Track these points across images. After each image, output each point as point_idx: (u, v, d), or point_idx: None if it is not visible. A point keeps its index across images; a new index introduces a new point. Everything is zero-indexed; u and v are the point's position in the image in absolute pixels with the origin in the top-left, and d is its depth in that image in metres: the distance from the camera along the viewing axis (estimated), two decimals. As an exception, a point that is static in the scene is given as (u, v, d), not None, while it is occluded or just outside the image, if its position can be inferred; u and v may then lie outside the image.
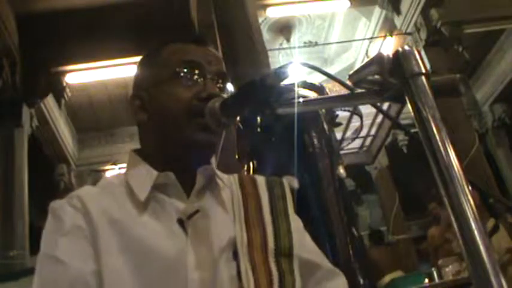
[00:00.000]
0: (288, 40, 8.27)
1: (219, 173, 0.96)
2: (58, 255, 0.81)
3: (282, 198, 0.98)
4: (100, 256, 0.81)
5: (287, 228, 0.93)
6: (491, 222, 3.96)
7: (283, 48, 8.20)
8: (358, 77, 0.69)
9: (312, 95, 1.90)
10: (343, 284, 0.97)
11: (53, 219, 0.86)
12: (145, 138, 0.97)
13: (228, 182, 0.97)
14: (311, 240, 1.00)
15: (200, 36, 1.07)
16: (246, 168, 2.03)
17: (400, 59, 0.64)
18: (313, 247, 0.99)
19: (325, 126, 2.01)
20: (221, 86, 0.94)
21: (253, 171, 1.99)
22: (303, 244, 0.96)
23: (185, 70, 0.91)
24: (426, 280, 4.07)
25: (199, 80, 0.91)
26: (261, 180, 1.00)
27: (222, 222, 0.90)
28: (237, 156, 2.11)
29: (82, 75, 6.51)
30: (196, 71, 0.92)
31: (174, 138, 0.90)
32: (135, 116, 0.96)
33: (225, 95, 0.90)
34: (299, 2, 6.86)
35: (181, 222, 0.86)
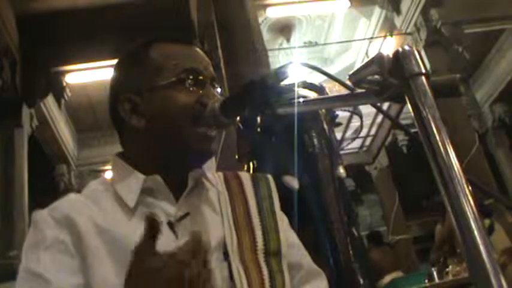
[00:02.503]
0: (288, 40, 8.27)
1: (205, 173, 0.95)
2: (39, 271, 0.79)
3: (268, 196, 0.97)
4: (88, 266, 0.80)
5: (275, 228, 0.93)
6: (485, 224, 3.96)
7: (283, 48, 8.19)
8: (358, 77, 0.69)
9: (312, 95, 1.90)
10: (325, 285, 0.97)
11: (35, 232, 0.85)
12: (133, 142, 0.94)
13: (214, 181, 0.96)
14: (295, 237, 1.00)
15: (187, 35, 1.07)
16: (246, 168, 2.03)
17: (400, 59, 0.64)
18: (297, 246, 0.99)
19: (325, 126, 2.01)
20: (216, 89, 0.94)
21: (253, 171, 1.99)
22: (288, 243, 0.96)
23: (187, 76, 0.90)
24: (426, 280, 4.07)
25: (200, 86, 0.91)
26: (246, 177, 1.00)
27: (211, 223, 0.89)
28: (237, 156, 2.11)
29: (82, 75, 6.51)
30: (198, 78, 0.91)
31: (176, 145, 0.89)
32: (126, 120, 0.92)
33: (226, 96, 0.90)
34: (299, 2, 6.86)
35: (170, 225, 0.85)
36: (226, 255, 0.86)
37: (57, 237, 0.82)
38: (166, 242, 0.83)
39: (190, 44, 0.97)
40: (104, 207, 0.88)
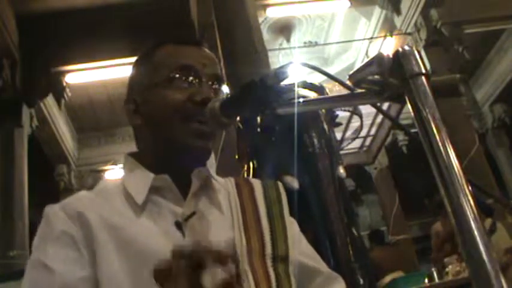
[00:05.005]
0: (288, 40, 8.27)
1: (214, 175, 0.96)
2: (47, 262, 0.81)
3: (278, 202, 0.98)
4: (97, 261, 0.81)
5: (283, 234, 0.93)
6: (488, 223, 3.96)
7: (283, 48, 8.19)
8: (358, 77, 0.69)
9: (312, 95, 1.90)
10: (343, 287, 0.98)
11: (45, 225, 0.86)
12: (140, 141, 0.97)
13: (225, 185, 0.97)
14: (308, 244, 1.01)
15: (194, 37, 1.07)
16: (246, 168, 2.03)
17: (400, 59, 0.64)
18: (311, 251, 1.00)
19: (325, 126, 2.02)
20: (216, 88, 0.93)
21: (253, 171, 1.99)
22: (301, 249, 0.97)
23: (179, 74, 0.91)
24: (426, 280, 4.07)
25: (194, 83, 0.91)
26: (256, 184, 1.01)
27: (219, 224, 0.90)
28: (237, 156, 2.11)
29: (82, 75, 6.51)
30: (191, 75, 0.91)
31: (168, 142, 0.90)
32: (129, 120, 0.96)
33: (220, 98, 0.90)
34: (299, 2, 6.86)
35: (178, 225, 0.86)
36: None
37: (65, 231, 0.84)
38: (173, 242, 0.83)
39: (193, 44, 0.97)
40: (114, 204, 0.89)
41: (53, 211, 0.87)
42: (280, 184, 1.03)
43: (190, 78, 0.91)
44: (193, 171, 0.90)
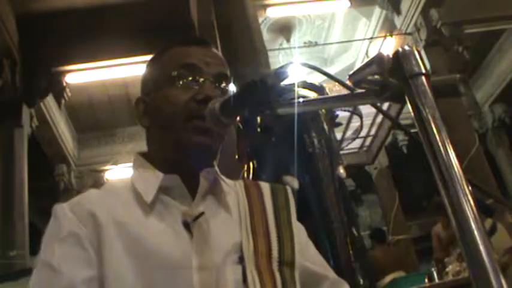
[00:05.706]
0: (288, 40, 8.27)
1: (223, 176, 0.96)
2: (52, 262, 0.81)
3: (286, 206, 0.98)
4: (104, 259, 0.81)
5: (290, 238, 0.93)
6: (488, 223, 3.96)
7: (283, 48, 8.20)
8: (358, 77, 0.69)
9: (312, 95, 1.90)
10: None
11: (54, 224, 0.87)
12: (150, 141, 0.98)
13: (234, 187, 0.97)
14: (315, 249, 1.01)
15: (202, 37, 1.07)
16: (246, 168, 2.03)
17: (400, 59, 0.64)
18: (318, 257, 1.00)
19: (325, 126, 2.02)
20: (222, 87, 0.93)
21: (253, 171, 1.99)
22: (308, 254, 0.97)
23: (181, 73, 0.91)
24: (426, 280, 4.07)
25: (197, 82, 0.91)
26: (265, 187, 1.01)
27: (227, 225, 0.90)
28: (237, 156, 2.11)
29: (82, 75, 6.51)
30: (194, 74, 0.91)
31: (173, 142, 0.91)
32: (139, 121, 0.97)
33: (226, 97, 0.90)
34: (299, 2, 6.87)
35: (186, 225, 0.86)
36: (241, 259, 0.86)
37: (72, 231, 0.84)
38: (181, 242, 0.84)
39: (198, 44, 0.97)
40: (123, 202, 0.89)
41: (62, 210, 0.87)
42: (289, 189, 1.03)
43: (192, 78, 0.91)
44: (202, 172, 0.91)
